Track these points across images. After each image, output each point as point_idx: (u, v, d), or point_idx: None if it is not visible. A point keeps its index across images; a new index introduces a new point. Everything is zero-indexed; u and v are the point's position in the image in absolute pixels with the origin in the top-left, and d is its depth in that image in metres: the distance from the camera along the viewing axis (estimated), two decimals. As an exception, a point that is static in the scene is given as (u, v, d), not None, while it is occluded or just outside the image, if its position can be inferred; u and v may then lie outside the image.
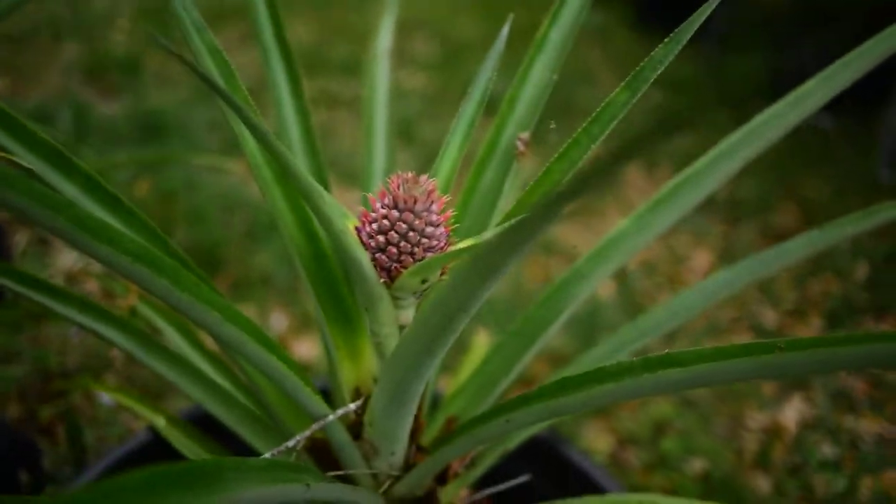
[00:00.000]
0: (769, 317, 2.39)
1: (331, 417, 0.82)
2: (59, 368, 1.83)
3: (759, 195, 3.16)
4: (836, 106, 0.95)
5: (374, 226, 0.78)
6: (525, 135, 0.91)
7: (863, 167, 3.30)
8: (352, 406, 0.84)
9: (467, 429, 0.83)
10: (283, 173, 0.86)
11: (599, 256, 0.99)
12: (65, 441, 1.63)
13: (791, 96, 0.90)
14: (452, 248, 0.80)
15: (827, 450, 1.84)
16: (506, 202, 0.95)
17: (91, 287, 2.15)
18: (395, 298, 0.79)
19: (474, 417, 0.83)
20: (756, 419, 1.99)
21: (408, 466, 0.92)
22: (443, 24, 4.60)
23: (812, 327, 2.29)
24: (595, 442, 1.89)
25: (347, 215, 0.80)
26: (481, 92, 0.86)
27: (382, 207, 0.78)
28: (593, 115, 0.81)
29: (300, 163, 0.95)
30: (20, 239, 2.24)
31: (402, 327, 0.84)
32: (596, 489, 1.24)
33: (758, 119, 0.93)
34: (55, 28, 3.70)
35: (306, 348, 2.03)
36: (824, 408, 2.00)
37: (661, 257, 2.69)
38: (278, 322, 2.14)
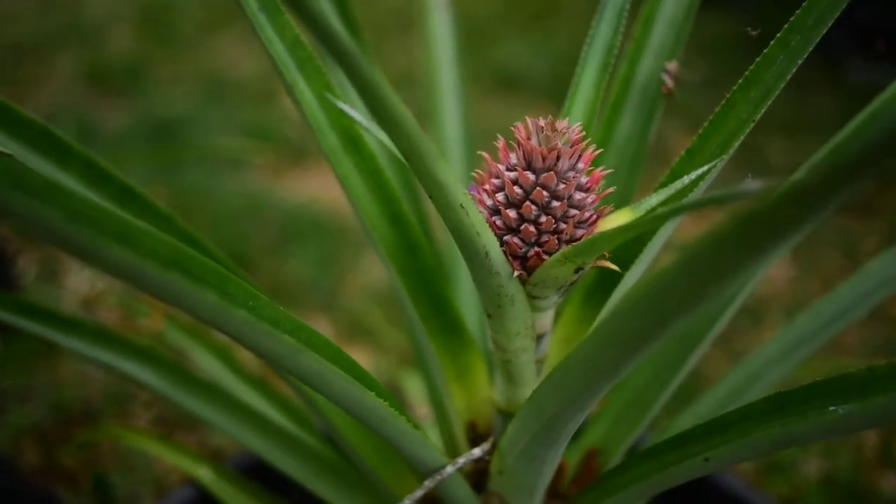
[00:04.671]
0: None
1: (450, 469, 0.59)
2: (80, 407, 1.60)
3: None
4: None
5: (501, 196, 0.54)
6: (673, 65, 0.67)
7: (828, 69, 2.92)
8: (476, 452, 0.61)
9: (636, 471, 0.59)
10: (353, 139, 0.63)
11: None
12: (90, 493, 1.40)
13: None
14: (607, 221, 0.57)
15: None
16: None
17: (110, 315, 1.92)
18: (531, 298, 0.56)
19: (646, 451, 0.60)
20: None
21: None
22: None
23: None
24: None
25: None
26: (618, 5, 0.62)
27: (509, 170, 0.54)
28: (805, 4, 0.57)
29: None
30: (28, 267, 2.01)
31: (539, 337, 0.61)
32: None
33: None
34: (54, 38, 3.48)
35: (359, 360, 1.79)
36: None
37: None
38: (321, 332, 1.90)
